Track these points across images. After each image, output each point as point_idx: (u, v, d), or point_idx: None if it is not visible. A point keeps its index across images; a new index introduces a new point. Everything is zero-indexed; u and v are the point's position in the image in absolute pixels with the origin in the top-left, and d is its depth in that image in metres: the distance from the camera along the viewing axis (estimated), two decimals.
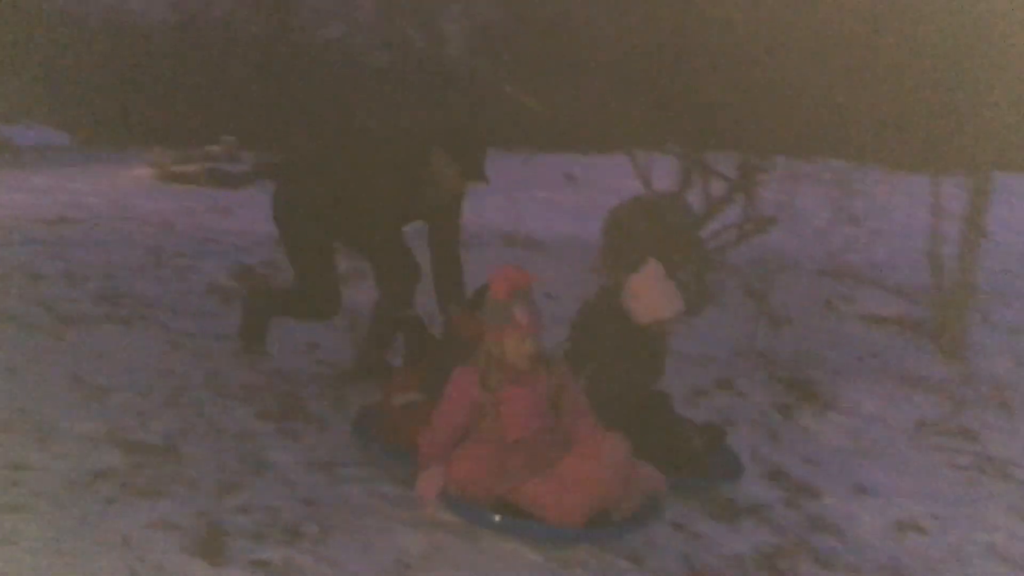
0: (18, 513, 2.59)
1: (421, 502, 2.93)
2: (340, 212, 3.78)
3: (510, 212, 5.91)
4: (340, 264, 4.00)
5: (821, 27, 5.35)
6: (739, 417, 4.07)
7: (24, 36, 9.37)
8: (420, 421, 3.14)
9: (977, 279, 5.10)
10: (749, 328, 4.73)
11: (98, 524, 2.59)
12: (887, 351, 4.81)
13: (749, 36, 5.36)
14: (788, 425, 4.12)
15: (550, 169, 7.52)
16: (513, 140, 7.00)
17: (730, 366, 4.49)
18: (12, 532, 2.50)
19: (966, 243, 4.80)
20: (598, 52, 5.99)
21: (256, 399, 3.61)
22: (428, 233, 3.86)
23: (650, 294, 3.52)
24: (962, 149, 4.94)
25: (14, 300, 4.29)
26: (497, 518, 2.85)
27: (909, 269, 5.63)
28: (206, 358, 3.91)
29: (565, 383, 3.11)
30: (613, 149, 6.03)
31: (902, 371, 4.62)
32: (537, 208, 6.02)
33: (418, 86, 8.45)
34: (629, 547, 3.04)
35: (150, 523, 2.63)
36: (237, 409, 3.50)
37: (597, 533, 2.91)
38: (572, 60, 6.11)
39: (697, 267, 5.30)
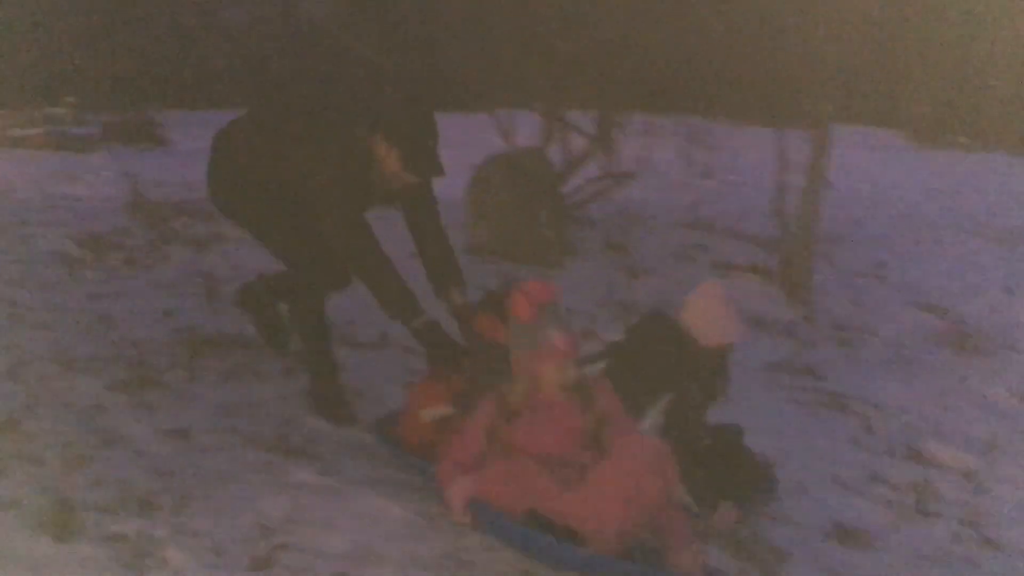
0: None
1: (451, 513, 2.74)
2: (283, 191, 3.33)
3: None
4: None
5: None
6: None
7: None
8: (449, 435, 2.92)
9: (819, 226, 5.38)
10: (609, 279, 4.86)
11: None
12: (737, 296, 5.01)
13: None
14: None
15: None
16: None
17: (592, 317, 4.60)
18: None
19: (808, 192, 5.04)
20: (458, 11, 5.95)
21: (106, 370, 3.47)
22: (404, 218, 3.43)
23: (715, 314, 3.22)
24: (804, 104, 5.16)
25: None
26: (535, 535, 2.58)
27: (759, 218, 5.88)
28: (51, 329, 3.73)
29: (610, 413, 2.77)
30: (476, 108, 6.03)
31: (752, 315, 4.84)
32: None
33: (276, 44, 8.18)
34: None
35: None
36: (85, 381, 3.36)
37: (643, 569, 2.61)
38: (431, 18, 6.06)
39: (558, 221, 5.39)
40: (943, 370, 4.68)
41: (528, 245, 5.22)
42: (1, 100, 7.98)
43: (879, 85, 12.00)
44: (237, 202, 3.46)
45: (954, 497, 3.58)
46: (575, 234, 5.41)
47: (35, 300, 4.01)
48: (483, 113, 5.75)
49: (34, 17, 8.69)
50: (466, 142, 6.95)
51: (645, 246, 5.32)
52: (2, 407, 3.05)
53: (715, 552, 2.92)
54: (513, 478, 2.66)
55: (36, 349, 3.53)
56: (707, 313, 3.22)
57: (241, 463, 2.99)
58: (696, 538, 2.70)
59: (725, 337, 3.23)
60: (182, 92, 8.77)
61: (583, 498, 2.58)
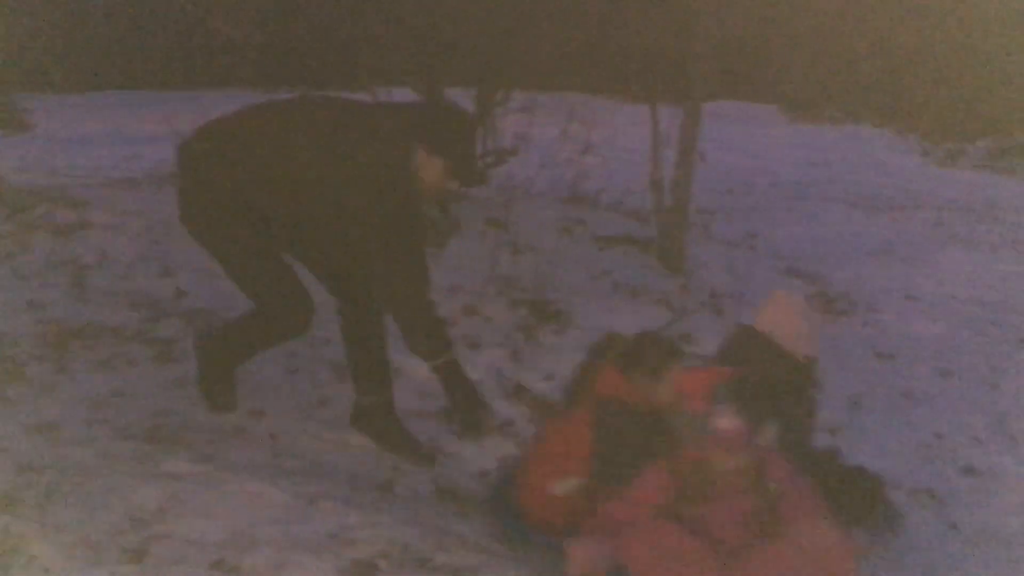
0: None
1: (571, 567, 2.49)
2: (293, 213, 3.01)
3: None
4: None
5: None
6: (484, 341, 4.23)
7: None
8: (585, 508, 2.69)
9: (695, 199, 5.54)
10: (492, 255, 4.89)
11: None
12: (617, 269, 5.15)
13: None
14: (530, 344, 4.33)
15: None
16: (249, 79, 6.76)
17: (475, 293, 4.63)
18: None
19: (681, 166, 5.19)
20: None
21: None
22: None
23: (797, 324, 2.97)
24: (677, 81, 5.29)
25: None
26: None
27: (638, 193, 6.01)
28: None
29: (785, 493, 2.53)
30: (352, 87, 5.95)
31: (629, 286, 4.97)
32: None
33: (142, 23, 7.87)
34: (379, 474, 3.11)
35: None
36: None
37: None
38: None
39: (442, 201, 5.38)
40: None
41: None
42: None
43: (754, 61, 12.39)
44: (222, 230, 3.05)
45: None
46: (458, 212, 5.41)
47: None
48: (360, 92, 5.68)
49: None
50: None
51: (526, 222, 5.37)
52: None
53: None
54: (663, 547, 2.43)
55: None
56: (789, 324, 2.97)
57: (111, 455, 2.91)
58: None
59: (811, 348, 2.99)
60: (45, 76, 8.36)
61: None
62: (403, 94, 5.74)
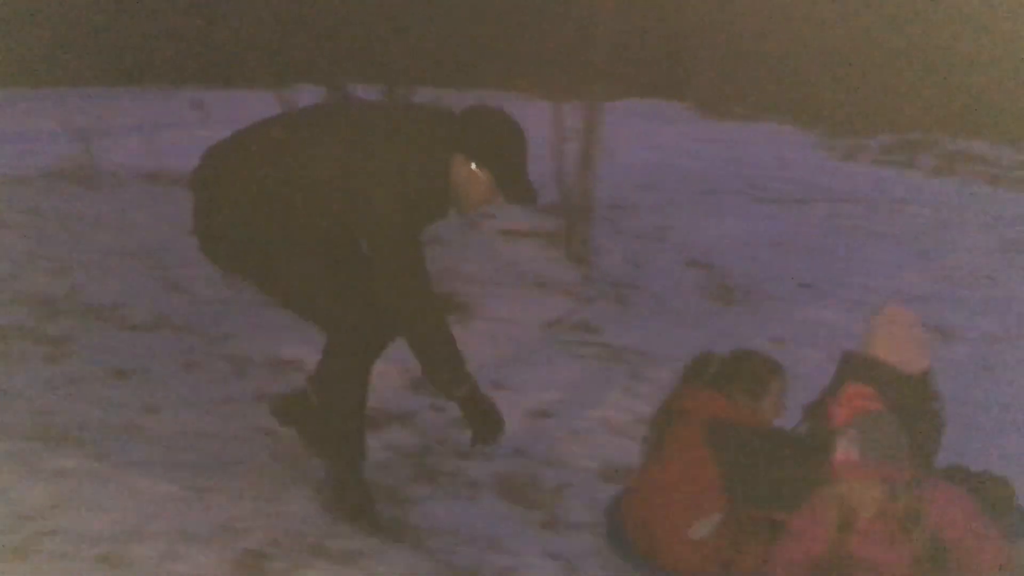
0: None
1: None
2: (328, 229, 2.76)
3: (149, 149, 5.65)
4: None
5: None
6: None
7: None
8: (729, 549, 2.55)
9: (604, 193, 5.66)
10: None
11: None
12: (522, 261, 5.23)
13: None
14: None
15: (186, 104, 7.23)
16: (152, 76, 6.65)
17: None
18: None
19: (584, 160, 5.31)
20: None
21: None
22: None
23: (910, 337, 2.87)
24: (581, 77, 5.41)
25: None
26: None
27: (549, 187, 6.08)
28: None
29: (952, 531, 2.36)
30: (255, 84, 5.91)
31: (535, 277, 5.06)
32: (175, 143, 5.77)
33: (33, 15, 7.64)
34: (274, 465, 3.11)
35: None
36: None
37: None
38: None
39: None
40: (708, 320, 5.05)
41: None
42: None
43: (664, 60, 12.65)
44: (255, 256, 2.78)
45: None
46: None
47: None
48: (264, 89, 5.64)
49: None
50: (245, 121, 6.79)
51: None
52: None
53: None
54: None
55: None
56: (903, 339, 2.88)
57: None
58: None
59: (925, 359, 2.91)
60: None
61: None
62: (307, 92, 5.73)
